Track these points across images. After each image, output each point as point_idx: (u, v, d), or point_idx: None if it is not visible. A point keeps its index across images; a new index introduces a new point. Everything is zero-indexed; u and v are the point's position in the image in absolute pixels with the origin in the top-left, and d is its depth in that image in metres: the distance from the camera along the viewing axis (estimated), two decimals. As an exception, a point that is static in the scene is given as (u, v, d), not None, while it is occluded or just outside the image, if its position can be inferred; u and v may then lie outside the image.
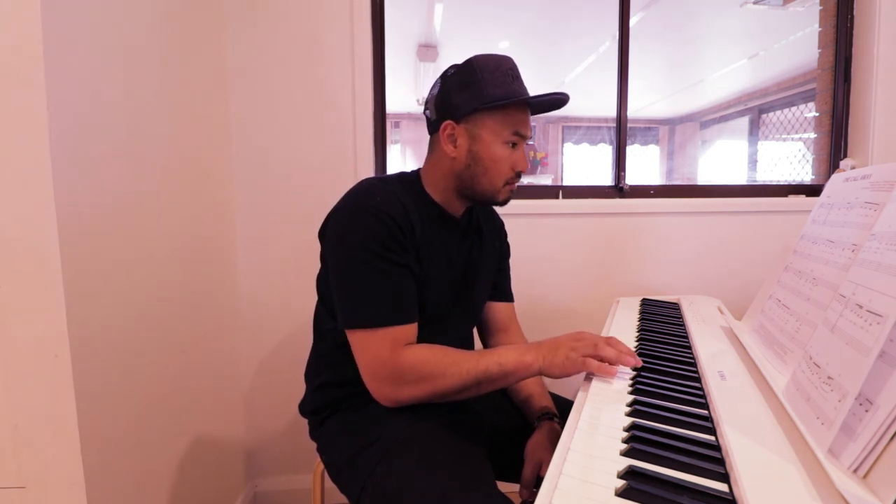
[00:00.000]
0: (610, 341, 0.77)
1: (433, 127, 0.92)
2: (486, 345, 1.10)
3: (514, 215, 1.53)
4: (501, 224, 1.10)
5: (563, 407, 0.98)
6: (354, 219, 0.82)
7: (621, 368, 0.75)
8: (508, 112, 0.87)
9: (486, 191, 0.90)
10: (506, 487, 0.80)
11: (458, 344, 0.85)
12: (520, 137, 0.89)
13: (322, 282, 0.92)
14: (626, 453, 0.53)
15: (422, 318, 0.86)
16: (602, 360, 0.75)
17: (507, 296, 1.10)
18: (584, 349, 0.76)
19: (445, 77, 0.90)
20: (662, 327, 1.01)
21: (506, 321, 1.08)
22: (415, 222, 0.84)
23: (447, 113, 0.88)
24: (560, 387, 1.08)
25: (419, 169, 0.96)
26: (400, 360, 0.79)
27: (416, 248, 0.85)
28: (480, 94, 0.85)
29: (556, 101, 0.90)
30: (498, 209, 1.06)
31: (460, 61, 0.90)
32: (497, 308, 1.08)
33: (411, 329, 0.82)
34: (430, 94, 0.93)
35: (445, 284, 0.92)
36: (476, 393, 0.80)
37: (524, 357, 0.78)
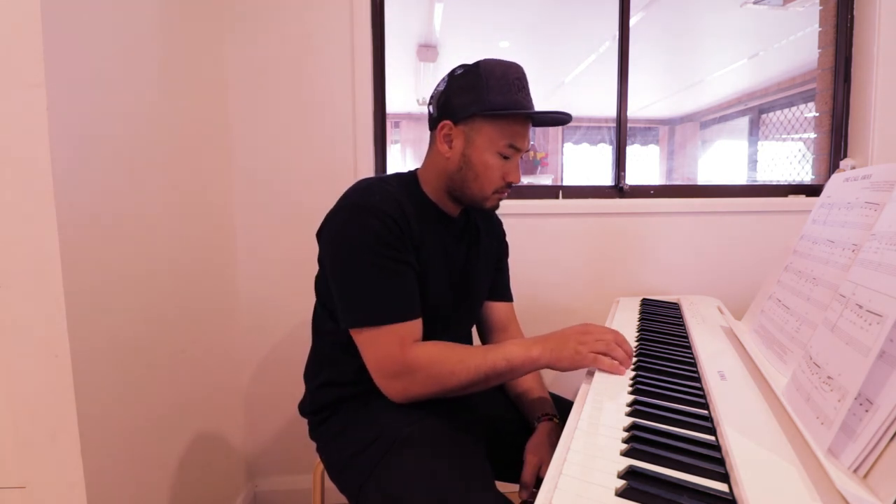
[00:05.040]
0: (618, 339, 0.79)
1: (433, 124, 0.91)
2: (485, 344, 1.10)
3: (514, 215, 1.53)
4: (499, 223, 1.10)
5: (562, 407, 0.98)
6: (353, 218, 0.82)
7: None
8: (507, 123, 0.86)
9: (475, 196, 0.90)
10: (505, 487, 0.80)
11: (458, 342, 0.85)
12: (514, 150, 0.88)
13: (320, 283, 0.91)
14: (626, 453, 0.53)
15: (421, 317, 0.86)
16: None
17: (507, 295, 1.10)
18: (593, 345, 0.77)
19: (452, 76, 0.89)
20: (662, 327, 1.01)
21: (505, 321, 1.08)
22: (412, 221, 0.84)
23: (446, 112, 0.88)
24: (560, 386, 1.08)
25: (416, 169, 0.96)
26: (410, 357, 0.79)
27: (414, 246, 0.85)
28: (481, 99, 0.84)
29: (558, 119, 0.89)
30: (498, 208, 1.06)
31: (470, 62, 0.88)
32: (496, 308, 1.08)
33: (417, 325, 0.83)
34: (435, 90, 0.92)
35: (443, 283, 0.92)
36: (483, 388, 0.81)
37: (530, 352, 0.79)
